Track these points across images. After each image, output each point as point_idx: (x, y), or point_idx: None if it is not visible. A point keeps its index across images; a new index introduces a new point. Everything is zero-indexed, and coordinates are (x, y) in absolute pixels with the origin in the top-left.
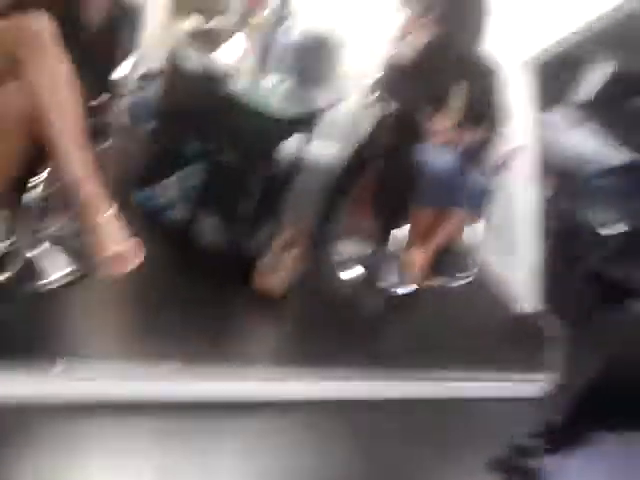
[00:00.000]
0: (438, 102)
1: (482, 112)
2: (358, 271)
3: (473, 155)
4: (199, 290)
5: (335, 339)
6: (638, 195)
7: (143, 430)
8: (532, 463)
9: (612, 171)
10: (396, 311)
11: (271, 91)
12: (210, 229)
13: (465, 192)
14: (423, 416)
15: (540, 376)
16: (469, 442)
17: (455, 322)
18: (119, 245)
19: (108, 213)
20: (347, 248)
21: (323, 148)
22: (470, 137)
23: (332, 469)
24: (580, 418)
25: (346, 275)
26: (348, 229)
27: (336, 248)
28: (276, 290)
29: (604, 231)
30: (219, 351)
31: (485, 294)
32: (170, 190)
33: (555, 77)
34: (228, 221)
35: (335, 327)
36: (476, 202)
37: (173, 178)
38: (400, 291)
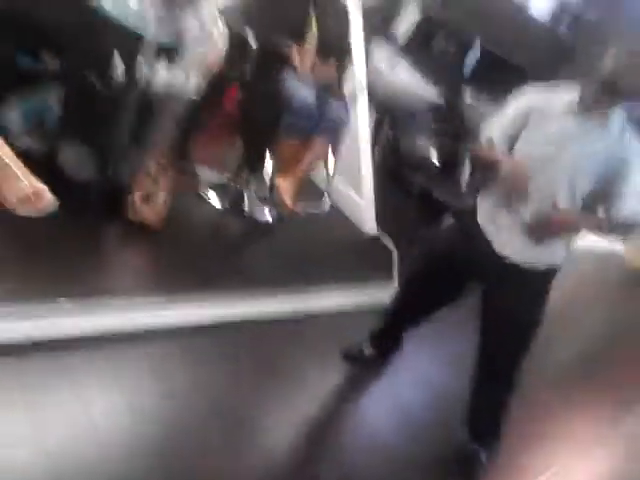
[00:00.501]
0: (296, 35)
1: (337, 46)
2: (220, 200)
3: (331, 87)
4: (70, 226)
5: (206, 266)
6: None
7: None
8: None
9: (430, 106)
10: (263, 236)
11: (135, 11)
12: (74, 159)
13: (324, 122)
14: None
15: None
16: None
17: (313, 245)
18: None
19: None
20: (208, 176)
21: (183, 75)
22: (328, 70)
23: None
24: (397, 319)
25: (211, 203)
26: (204, 159)
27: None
28: (153, 221)
29: (424, 159)
30: (92, 285)
31: (338, 220)
32: (14, 113)
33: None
34: (94, 150)
35: (206, 255)
36: (334, 131)
37: (17, 99)
38: (267, 218)
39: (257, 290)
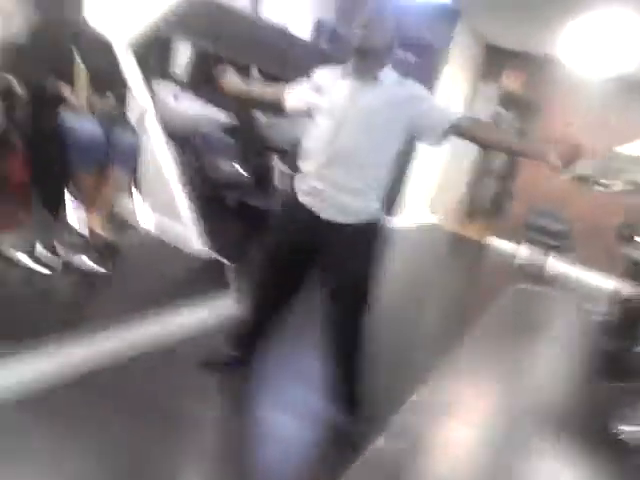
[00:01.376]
0: (64, 74)
1: (110, 79)
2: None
3: (112, 117)
4: None
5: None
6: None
7: None
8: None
9: (223, 127)
10: (94, 282)
11: None
12: None
13: (115, 150)
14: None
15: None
16: None
17: (147, 277)
18: None
19: None
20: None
21: None
22: (105, 102)
23: None
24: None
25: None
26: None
27: None
28: None
29: (233, 175)
30: None
31: (164, 249)
32: None
33: (154, 54)
34: None
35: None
36: (127, 158)
37: None
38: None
39: (101, 332)
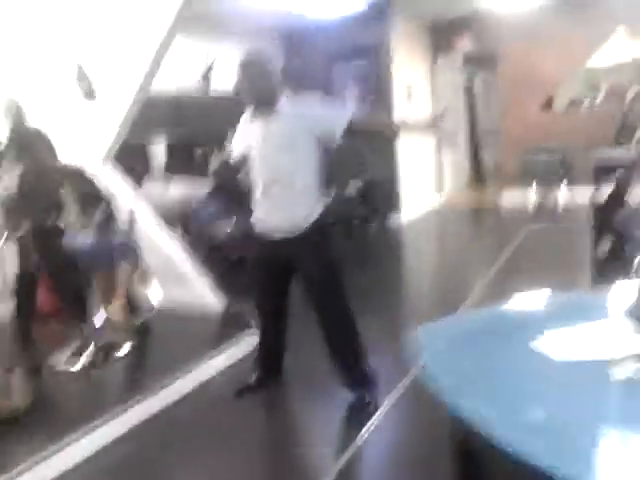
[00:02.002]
0: (59, 208)
1: (93, 201)
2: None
3: (102, 226)
4: None
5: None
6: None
7: None
8: None
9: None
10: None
11: None
12: None
13: (115, 250)
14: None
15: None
16: None
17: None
18: None
19: None
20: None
21: None
22: (93, 218)
23: None
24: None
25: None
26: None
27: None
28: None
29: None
30: None
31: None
32: None
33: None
34: None
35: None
36: (124, 253)
37: None
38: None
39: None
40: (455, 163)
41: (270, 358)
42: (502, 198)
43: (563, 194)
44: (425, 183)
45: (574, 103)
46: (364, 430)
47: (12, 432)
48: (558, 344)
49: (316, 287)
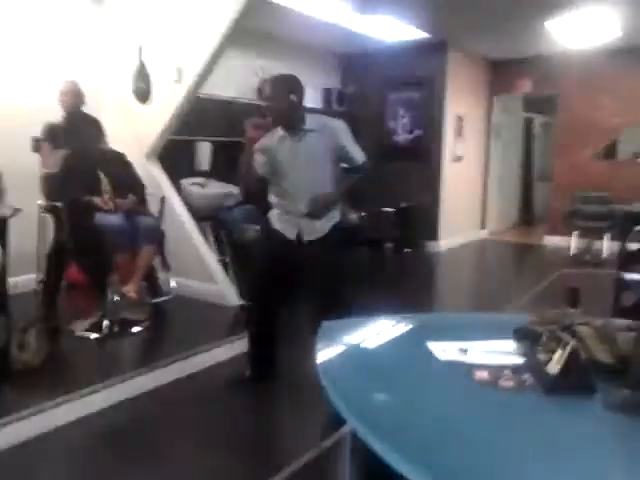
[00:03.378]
0: (93, 188)
1: (128, 185)
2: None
3: (136, 210)
4: None
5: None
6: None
7: None
8: None
9: (234, 205)
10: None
11: None
12: None
13: (141, 234)
14: None
15: None
16: None
17: (185, 324)
18: None
19: None
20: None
21: None
22: (125, 202)
23: None
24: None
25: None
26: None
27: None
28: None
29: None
30: None
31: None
32: None
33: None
34: None
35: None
36: (152, 236)
37: None
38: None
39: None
40: (504, 202)
41: (262, 359)
42: (546, 239)
43: (607, 243)
44: (469, 216)
45: (636, 155)
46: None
47: (23, 382)
48: (448, 349)
49: (322, 276)
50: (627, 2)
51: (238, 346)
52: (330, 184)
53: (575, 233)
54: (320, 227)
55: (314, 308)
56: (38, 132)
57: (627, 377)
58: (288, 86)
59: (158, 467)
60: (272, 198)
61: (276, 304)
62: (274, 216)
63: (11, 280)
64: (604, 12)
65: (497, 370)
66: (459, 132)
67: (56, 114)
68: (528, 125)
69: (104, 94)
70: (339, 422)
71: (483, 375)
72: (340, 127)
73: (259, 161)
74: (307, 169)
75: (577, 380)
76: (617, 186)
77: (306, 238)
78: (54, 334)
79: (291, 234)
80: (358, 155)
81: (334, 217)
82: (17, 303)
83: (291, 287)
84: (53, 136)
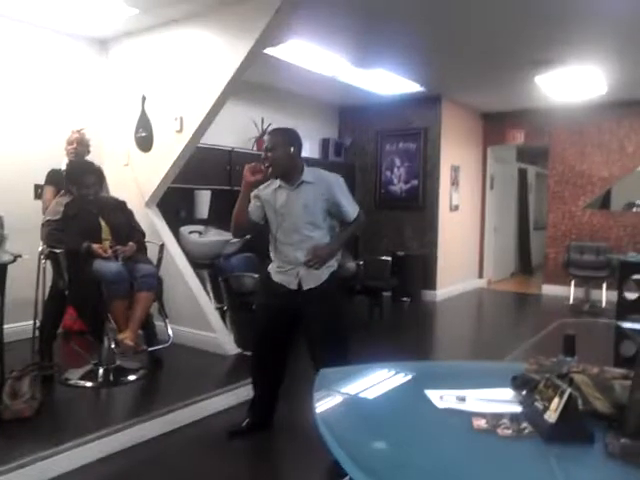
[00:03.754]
0: (95, 234)
1: (128, 232)
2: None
3: (134, 257)
4: None
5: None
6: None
7: None
8: None
9: (233, 253)
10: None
11: None
12: None
13: (138, 279)
14: None
15: None
16: None
17: (183, 372)
18: None
19: None
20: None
21: None
22: (124, 249)
23: None
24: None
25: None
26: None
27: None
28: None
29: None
30: None
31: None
32: None
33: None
34: None
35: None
36: (150, 283)
37: None
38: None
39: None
40: (501, 251)
41: (262, 405)
42: (544, 289)
43: (605, 292)
44: (467, 265)
45: (629, 205)
46: None
47: (16, 432)
48: (446, 396)
49: (318, 324)
50: (611, 61)
51: (235, 395)
52: (326, 233)
53: (573, 282)
54: (319, 275)
55: (313, 355)
56: (41, 179)
57: (625, 426)
58: (288, 138)
59: None
60: (271, 251)
61: (276, 352)
62: (273, 269)
63: (7, 327)
64: (590, 69)
65: (495, 418)
66: (455, 182)
67: (59, 162)
68: (523, 175)
69: (107, 142)
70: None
71: (481, 423)
72: (335, 181)
73: (253, 205)
74: (303, 216)
75: (575, 428)
76: (612, 235)
77: (305, 287)
78: (49, 382)
79: (292, 284)
80: (351, 211)
81: (332, 265)
82: (13, 350)
83: (291, 335)
84: (56, 183)
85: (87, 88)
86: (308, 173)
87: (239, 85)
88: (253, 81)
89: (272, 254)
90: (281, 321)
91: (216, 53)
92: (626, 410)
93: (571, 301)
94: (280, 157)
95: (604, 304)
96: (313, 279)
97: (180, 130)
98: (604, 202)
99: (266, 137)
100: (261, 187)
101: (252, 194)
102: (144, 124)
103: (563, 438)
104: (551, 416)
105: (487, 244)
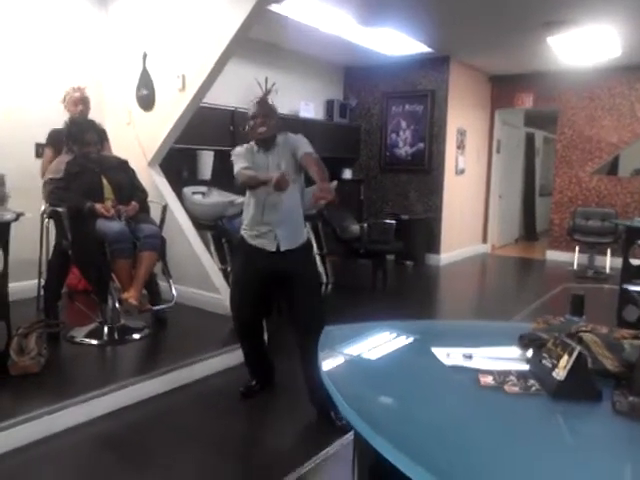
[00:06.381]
0: (95, 195)
1: (130, 192)
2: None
3: (137, 216)
4: None
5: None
6: None
7: None
8: None
9: (236, 215)
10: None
11: None
12: None
13: (141, 239)
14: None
15: None
16: None
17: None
18: None
19: None
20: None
21: None
22: (127, 209)
23: None
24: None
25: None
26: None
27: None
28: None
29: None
30: None
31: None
32: None
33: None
34: None
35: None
36: (154, 243)
37: None
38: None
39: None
40: (506, 216)
41: (255, 366)
42: (548, 254)
43: (609, 259)
44: (471, 230)
45: (637, 171)
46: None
47: (22, 387)
48: (452, 354)
49: (303, 288)
50: (626, 20)
51: (236, 355)
52: (298, 195)
53: (577, 248)
54: (296, 236)
55: (295, 317)
56: (42, 137)
57: (633, 385)
58: (277, 110)
59: (156, 473)
60: (245, 216)
61: (257, 315)
62: (248, 234)
63: (12, 286)
64: (605, 30)
65: (502, 375)
66: (461, 145)
67: (60, 120)
68: (530, 140)
69: (108, 101)
70: None
71: (488, 380)
72: (299, 137)
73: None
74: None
75: (583, 386)
76: (618, 202)
77: (283, 248)
78: (54, 340)
79: (271, 246)
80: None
81: (307, 227)
82: (18, 309)
83: (270, 298)
84: (57, 142)
85: (87, 45)
86: (279, 137)
87: (243, 43)
88: (257, 39)
89: (247, 218)
90: (261, 284)
91: (219, 9)
92: (636, 369)
93: (575, 267)
94: (273, 125)
95: (608, 270)
96: (290, 240)
97: (182, 88)
98: (612, 168)
99: (257, 105)
100: (240, 150)
101: (233, 152)
102: (146, 82)
103: (571, 395)
104: (559, 374)
105: (492, 209)
